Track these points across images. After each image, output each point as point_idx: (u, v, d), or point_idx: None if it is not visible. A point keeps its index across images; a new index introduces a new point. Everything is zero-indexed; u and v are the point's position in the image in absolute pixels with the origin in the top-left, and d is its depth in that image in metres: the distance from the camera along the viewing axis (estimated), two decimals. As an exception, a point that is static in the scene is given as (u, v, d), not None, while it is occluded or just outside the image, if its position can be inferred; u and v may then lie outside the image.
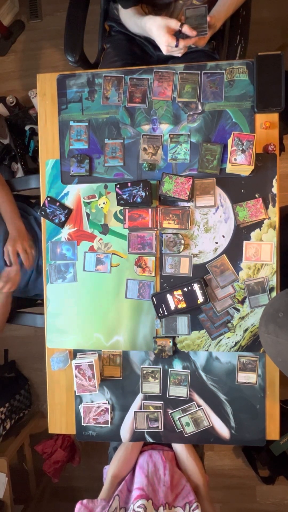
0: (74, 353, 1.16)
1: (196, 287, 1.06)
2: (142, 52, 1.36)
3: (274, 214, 1.07)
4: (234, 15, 1.16)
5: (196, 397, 1.11)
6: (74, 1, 1.29)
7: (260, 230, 1.07)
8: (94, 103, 1.13)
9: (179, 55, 1.03)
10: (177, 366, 1.12)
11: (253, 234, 1.07)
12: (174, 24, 0.97)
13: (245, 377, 1.09)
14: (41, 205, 1.15)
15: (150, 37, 1.07)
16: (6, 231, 1.24)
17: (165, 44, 0.99)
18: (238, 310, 1.09)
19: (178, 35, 0.98)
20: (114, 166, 1.12)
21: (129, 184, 1.05)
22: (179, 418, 1.11)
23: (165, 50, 1.02)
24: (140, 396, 1.13)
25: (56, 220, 1.14)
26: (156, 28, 1.00)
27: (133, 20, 1.14)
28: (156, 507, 0.92)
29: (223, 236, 1.09)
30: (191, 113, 1.09)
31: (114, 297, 1.13)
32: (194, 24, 0.96)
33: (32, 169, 2.07)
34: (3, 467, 1.74)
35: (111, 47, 1.36)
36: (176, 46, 0.98)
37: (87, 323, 1.15)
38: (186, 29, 0.96)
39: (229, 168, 1.05)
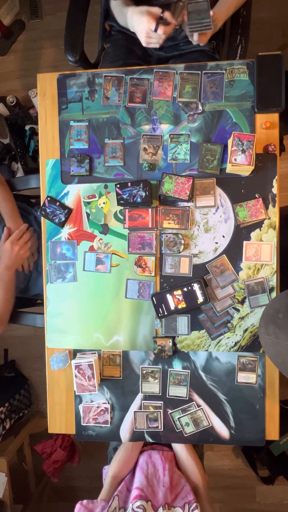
0: (74, 353, 1.16)
1: (196, 287, 1.06)
2: (142, 52, 1.36)
3: (274, 214, 1.07)
4: (234, 15, 1.16)
5: (195, 397, 1.11)
6: (74, 1, 1.29)
7: (260, 230, 1.07)
8: (94, 103, 1.13)
9: (157, 45, 1.02)
10: (177, 366, 1.12)
11: (253, 234, 1.07)
12: (156, 10, 0.97)
13: (245, 377, 1.09)
14: (41, 204, 1.15)
15: (133, 29, 1.05)
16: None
17: (145, 29, 0.98)
18: (238, 310, 1.09)
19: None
20: (114, 166, 1.12)
21: (129, 184, 1.05)
22: (178, 418, 1.11)
23: (143, 38, 1.01)
24: (139, 396, 1.13)
25: (56, 220, 1.14)
26: (137, 15, 0.99)
27: (122, 12, 1.13)
28: (155, 507, 0.92)
29: (223, 236, 1.08)
30: (191, 113, 1.09)
31: (114, 297, 1.13)
32: (197, 18, 0.96)
33: (32, 168, 2.06)
34: (3, 467, 1.74)
35: (111, 47, 1.36)
36: (155, 31, 0.97)
37: (87, 323, 1.15)
38: (167, 15, 0.95)
39: (229, 168, 1.05)
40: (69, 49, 1.26)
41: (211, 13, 0.96)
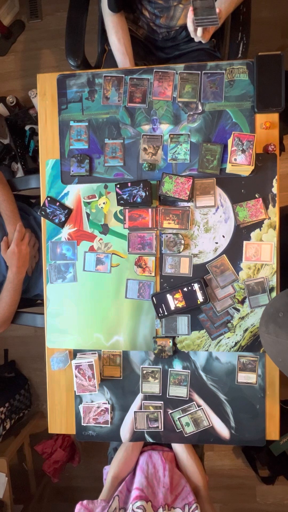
0: (74, 353, 1.16)
1: (196, 287, 1.06)
2: (144, 52, 1.36)
3: (274, 214, 1.06)
4: (234, 12, 1.16)
5: (196, 397, 1.11)
6: (74, 5, 1.28)
7: (260, 230, 1.07)
8: (94, 103, 1.13)
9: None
10: (177, 366, 1.12)
11: (253, 234, 1.07)
12: None
13: (245, 377, 1.09)
14: (41, 205, 1.15)
15: None
16: (5, 230, 1.24)
17: None
18: (238, 310, 1.09)
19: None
20: (114, 166, 1.12)
21: (129, 184, 1.05)
22: (179, 418, 1.11)
23: None
24: (140, 396, 1.13)
25: (56, 220, 1.14)
26: None
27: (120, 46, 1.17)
28: (156, 508, 0.92)
29: (223, 236, 1.08)
30: (191, 113, 1.09)
31: (114, 297, 1.13)
32: (203, 15, 0.96)
33: (32, 169, 2.06)
34: (3, 467, 1.74)
35: None
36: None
37: (87, 323, 1.15)
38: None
39: (229, 168, 1.05)
40: (71, 55, 1.26)
41: (218, 9, 0.96)
